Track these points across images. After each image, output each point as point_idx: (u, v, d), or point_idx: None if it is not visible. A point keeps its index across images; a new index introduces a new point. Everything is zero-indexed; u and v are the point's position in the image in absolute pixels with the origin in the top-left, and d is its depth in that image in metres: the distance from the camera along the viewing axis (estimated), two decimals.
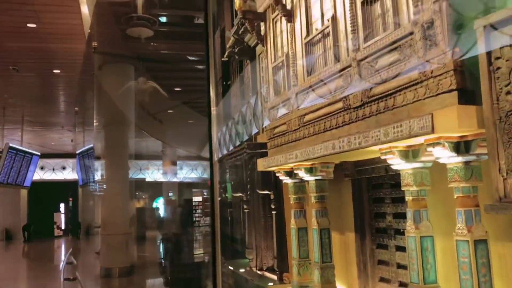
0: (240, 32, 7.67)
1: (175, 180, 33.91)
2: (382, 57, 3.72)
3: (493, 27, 2.77)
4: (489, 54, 2.84)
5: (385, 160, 3.92)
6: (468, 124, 2.97)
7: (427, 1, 3.23)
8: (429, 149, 3.39)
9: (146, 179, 35.08)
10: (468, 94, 3.02)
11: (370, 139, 3.69)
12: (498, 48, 2.78)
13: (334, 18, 4.47)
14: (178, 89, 20.74)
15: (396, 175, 4.31)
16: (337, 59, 4.41)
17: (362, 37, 4.01)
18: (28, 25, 11.67)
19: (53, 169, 38.68)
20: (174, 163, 32.92)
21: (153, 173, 35.85)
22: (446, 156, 3.33)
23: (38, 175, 34.84)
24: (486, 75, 2.86)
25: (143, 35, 14.05)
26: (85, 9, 11.28)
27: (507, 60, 2.73)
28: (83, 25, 11.83)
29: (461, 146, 3.23)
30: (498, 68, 2.79)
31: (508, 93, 2.74)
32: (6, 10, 10.82)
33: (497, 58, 2.80)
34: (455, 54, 3.02)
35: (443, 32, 3.09)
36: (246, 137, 8.64)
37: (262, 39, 6.44)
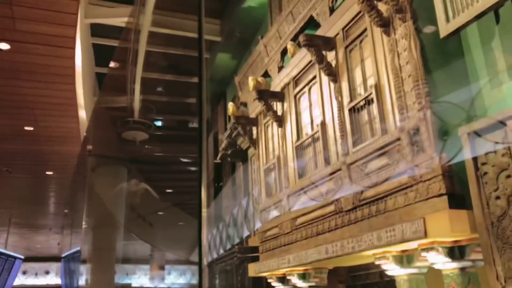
0: (233, 136, 7.85)
1: (162, 286, 32.43)
2: (371, 161, 3.80)
3: (477, 134, 2.88)
4: (475, 159, 2.91)
5: (379, 265, 3.82)
6: (461, 229, 2.95)
7: (412, 109, 3.39)
8: (423, 254, 3.33)
9: (132, 285, 33.51)
10: (458, 199, 3.04)
11: (364, 243, 3.63)
12: (483, 154, 2.86)
13: (323, 123, 4.64)
14: (169, 190, 20.69)
15: (392, 281, 4.17)
16: (327, 162, 4.49)
17: (351, 142, 4.12)
18: (26, 128, 11.89)
19: (36, 274, 36.96)
20: (162, 268, 31.72)
21: (140, 278, 34.34)
22: (440, 262, 3.26)
23: (20, 280, 33.19)
24: (474, 180, 2.91)
25: (138, 138, 14.36)
26: (82, 113, 11.61)
27: (493, 166, 2.79)
28: (79, 128, 12.09)
29: (455, 251, 3.18)
30: (485, 173, 2.84)
31: (497, 198, 2.76)
32: (6, 114, 11.07)
33: (484, 163, 2.86)
34: (442, 159, 3.10)
35: (429, 138, 3.20)
36: (237, 240, 8.44)
37: (254, 143, 6.60)
